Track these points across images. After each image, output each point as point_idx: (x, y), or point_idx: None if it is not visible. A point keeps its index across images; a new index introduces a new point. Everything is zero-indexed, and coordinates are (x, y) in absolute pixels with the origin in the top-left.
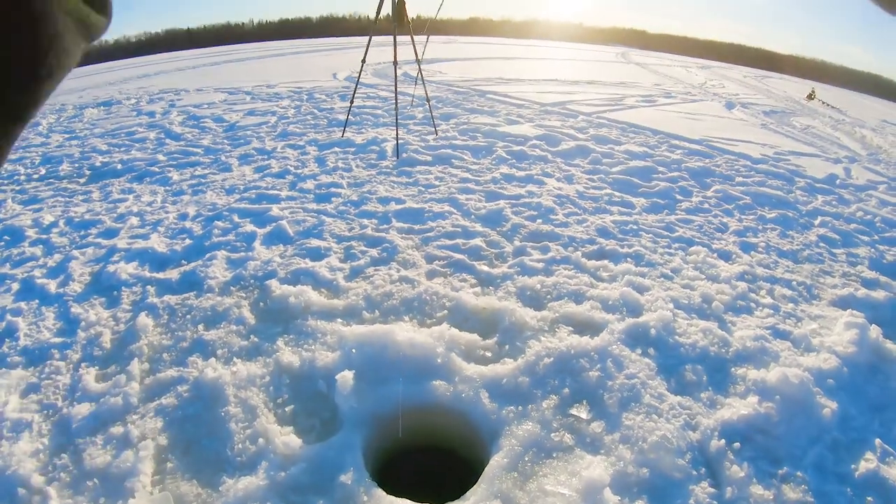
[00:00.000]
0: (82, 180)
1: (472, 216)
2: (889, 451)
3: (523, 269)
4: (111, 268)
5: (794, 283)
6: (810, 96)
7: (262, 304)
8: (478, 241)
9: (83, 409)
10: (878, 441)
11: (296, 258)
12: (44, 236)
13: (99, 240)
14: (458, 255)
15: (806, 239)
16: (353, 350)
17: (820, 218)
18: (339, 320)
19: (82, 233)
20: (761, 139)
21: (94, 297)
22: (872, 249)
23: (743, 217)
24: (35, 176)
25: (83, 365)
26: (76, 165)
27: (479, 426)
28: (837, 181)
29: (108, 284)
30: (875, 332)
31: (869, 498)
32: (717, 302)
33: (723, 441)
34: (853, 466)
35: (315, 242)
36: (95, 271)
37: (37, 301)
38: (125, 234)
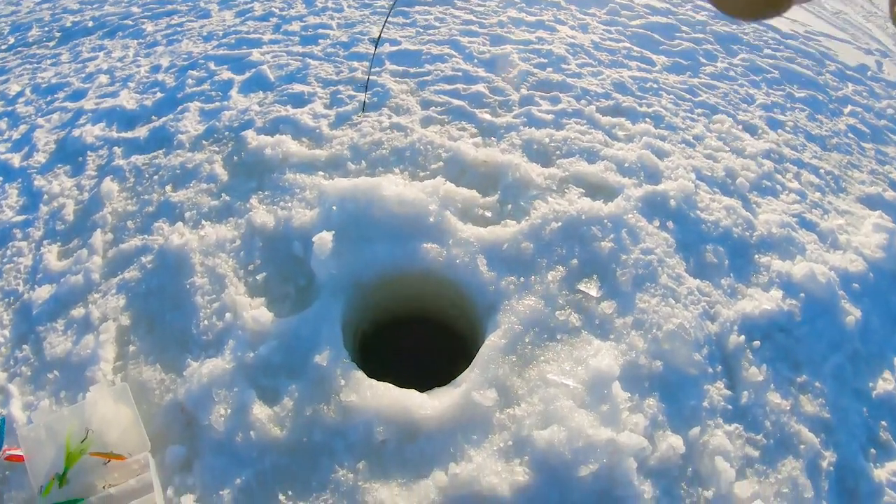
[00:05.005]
0: (51, 44)
1: (475, 60)
2: None
3: (530, 119)
4: (77, 132)
5: (822, 171)
6: None
7: (235, 157)
8: (480, 87)
9: (44, 293)
10: None
11: (276, 105)
12: (9, 108)
13: (66, 104)
14: (457, 102)
15: (835, 126)
16: (335, 207)
17: (850, 107)
18: (321, 173)
19: (48, 98)
20: (791, 14)
21: (58, 166)
22: None
23: (770, 91)
24: (3, 46)
25: (45, 243)
26: (45, 29)
27: (475, 298)
28: (868, 73)
29: (73, 150)
30: None
31: (883, 422)
32: (741, 178)
33: (742, 337)
34: (871, 384)
35: (298, 87)
36: (60, 138)
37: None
38: (93, 94)
